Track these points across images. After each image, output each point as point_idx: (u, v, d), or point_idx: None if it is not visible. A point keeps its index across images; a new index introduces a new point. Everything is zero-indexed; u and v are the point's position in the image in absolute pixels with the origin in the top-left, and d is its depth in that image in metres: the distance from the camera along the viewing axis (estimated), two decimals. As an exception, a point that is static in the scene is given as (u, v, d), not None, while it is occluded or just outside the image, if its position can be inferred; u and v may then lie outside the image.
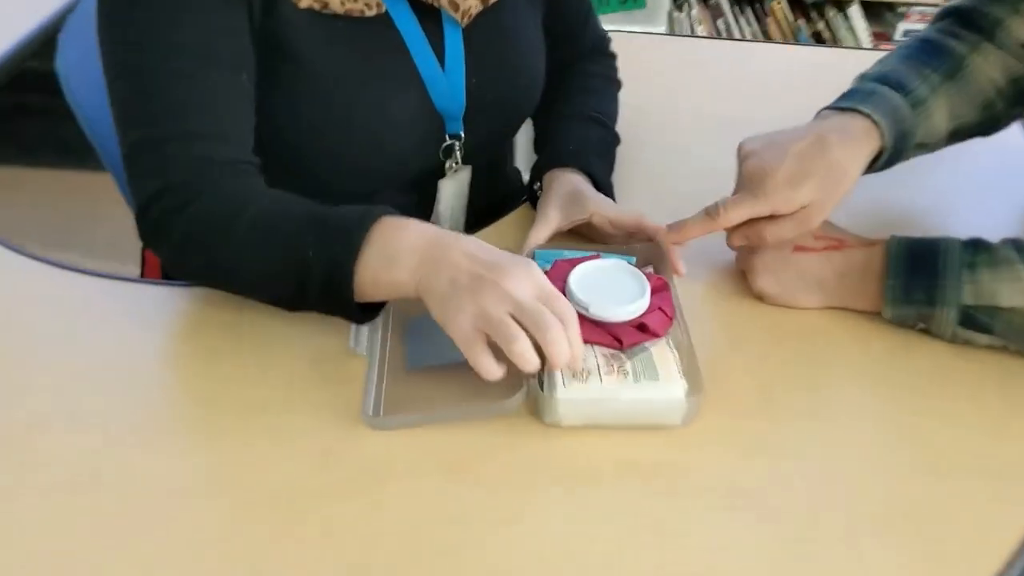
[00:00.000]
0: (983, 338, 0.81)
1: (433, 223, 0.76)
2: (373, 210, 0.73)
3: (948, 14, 0.97)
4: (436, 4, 0.88)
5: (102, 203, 1.21)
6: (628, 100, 1.10)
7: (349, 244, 0.71)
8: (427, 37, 0.90)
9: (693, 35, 2.55)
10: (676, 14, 2.53)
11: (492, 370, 0.67)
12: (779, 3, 2.53)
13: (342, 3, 0.83)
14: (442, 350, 0.74)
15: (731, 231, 0.88)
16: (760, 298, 0.88)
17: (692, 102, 1.24)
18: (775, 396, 0.79)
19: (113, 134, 0.83)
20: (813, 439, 0.75)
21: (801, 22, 2.55)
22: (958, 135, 0.94)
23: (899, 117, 0.87)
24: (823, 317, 0.86)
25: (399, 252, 0.70)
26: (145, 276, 1.12)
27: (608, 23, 2.19)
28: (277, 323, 0.83)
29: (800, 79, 1.19)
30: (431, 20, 0.90)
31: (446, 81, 0.91)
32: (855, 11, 2.52)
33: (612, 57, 1.11)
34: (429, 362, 0.79)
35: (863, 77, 0.93)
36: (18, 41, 1.33)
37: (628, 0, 2.14)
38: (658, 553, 0.65)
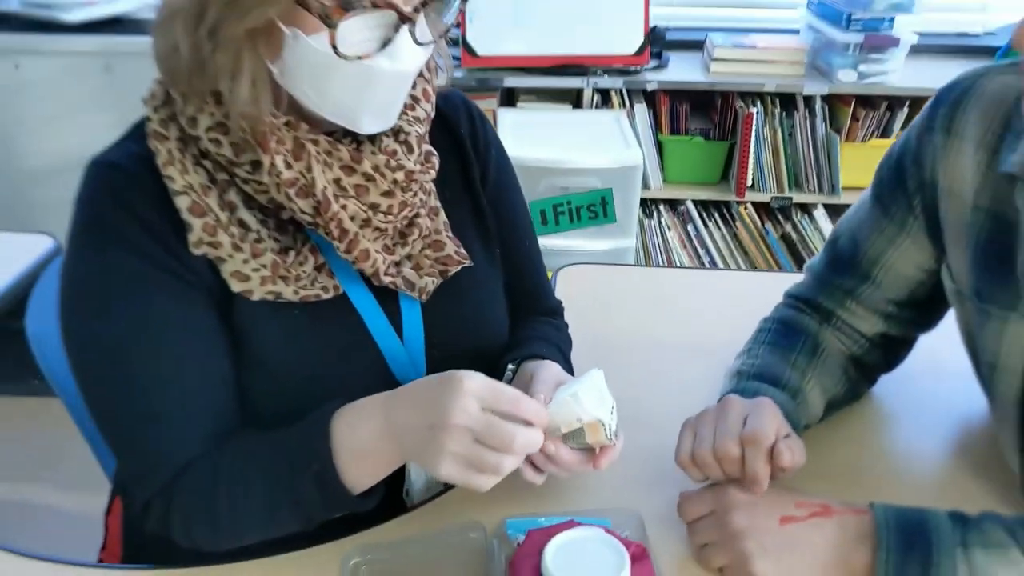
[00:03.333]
0: None
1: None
2: (321, 426, 0.79)
3: (793, 296, 1.10)
4: (392, 286, 0.89)
5: (70, 432, 1.18)
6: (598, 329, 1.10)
7: (322, 460, 0.78)
8: (386, 314, 0.91)
9: (664, 250, 2.62)
10: (646, 222, 2.60)
11: (491, 483, 0.76)
12: (746, 208, 2.61)
13: (295, 292, 0.84)
14: None
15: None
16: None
17: (661, 330, 1.25)
18: None
19: (78, 393, 0.85)
20: None
21: (769, 225, 2.63)
22: (831, 407, 1.04)
23: (786, 411, 0.92)
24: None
25: (365, 445, 0.79)
26: (105, 550, 1.08)
27: (580, 236, 2.25)
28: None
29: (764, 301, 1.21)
30: (389, 297, 0.91)
31: (406, 353, 0.91)
32: (820, 214, 2.60)
33: (566, 324, 1.12)
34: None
35: (740, 375, 1.00)
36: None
37: (599, 215, 2.19)
38: None
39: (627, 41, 2.44)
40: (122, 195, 0.81)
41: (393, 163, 0.85)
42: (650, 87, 2.46)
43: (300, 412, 0.83)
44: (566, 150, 2.18)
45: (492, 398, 0.74)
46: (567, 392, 0.80)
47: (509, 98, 2.56)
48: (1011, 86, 0.88)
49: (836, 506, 0.84)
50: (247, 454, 0.82)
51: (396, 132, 0.87)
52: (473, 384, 0.74)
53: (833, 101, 2.53)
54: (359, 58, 0.75)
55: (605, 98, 2.48)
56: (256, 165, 0.80)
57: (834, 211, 2.61)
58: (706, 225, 2.64)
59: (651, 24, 2.46)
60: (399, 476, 0.95)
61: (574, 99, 2.50)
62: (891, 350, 1.08)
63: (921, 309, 1.04)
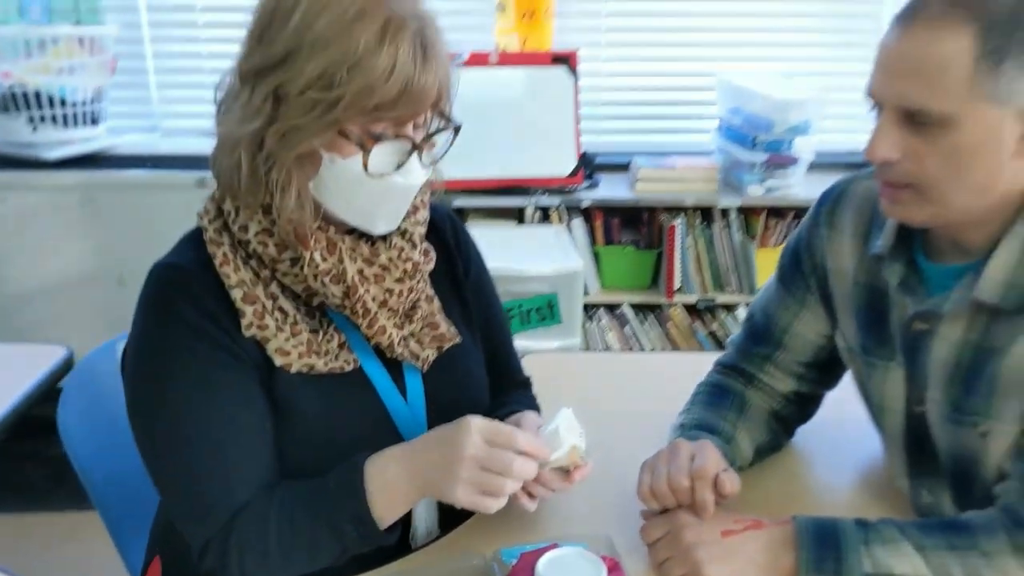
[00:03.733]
0: None
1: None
2: (355, 471, 0.99)
3: (721, 364, 1.34)
4: (399, 358, 1.10)
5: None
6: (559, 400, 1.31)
7: (357, 502, 0.97)
8: (393, 382, 1.11)
9: (605, 348, 2.86)
10: (588, 324, 2.84)
11: (497, 505, 0.96)
12: (676, 309, 2.88)
13: (325, 364, 1.04)
14: None
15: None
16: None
17: (608, 402, 1.46)
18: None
19: (102, 481, 1.11)
20: None
21: (697, 324, 2.90)
22: (759, 454, 1.26)
23: (723, 452, 1.13)
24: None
25: (392, 484, 0.98)
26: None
27: (529, 338, 2.47)
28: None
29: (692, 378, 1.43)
30: (395, 368, 1.12)
31: (410, 413, 1.11)
32: (742, 312, 2.89)
33: (534, 395, 1.31)
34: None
35: (683, 426, 1.23)
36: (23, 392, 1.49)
37: (547, 317, 2.43)
38: None
39: (562, 164, 2.74)
40: (186, 288, 1.00)
41: (403, 256, 1.07)
42: (584, 204, 2.75)
43: (324, 463, 1.01)
44: (514, 260, 2.43)
45: (494, 434, 0.95)
46: (549, 428, 1.01)
47: (460, 216, 2.81)
48: (873, 189, 1.14)
49: (765, 521, 1.05)
50: (293, 498, 1.00)
51: (403, 233, 1.09)
52: (478, 423, 0.95)
53: (746, 212, 2.85)
54: (381, 176, 0.98)
55: (545, 215, 2.76)
56: (295, 261, 1.02)
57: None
58: (641, 324, 2.89)
59: (583, 150, 2.77)
60: (405, 523, 1.13)
61: (518, 216, 2.77)
62: (803, 405, 1.31)
63: (823, 369, 1.28)
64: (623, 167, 2.92)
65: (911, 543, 0.98)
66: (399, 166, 1.00)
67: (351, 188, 0.99)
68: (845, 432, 1.33)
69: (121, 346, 1.41)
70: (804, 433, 1.33)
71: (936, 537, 0.98)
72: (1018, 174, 0.97)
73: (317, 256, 1.01)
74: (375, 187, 0.99)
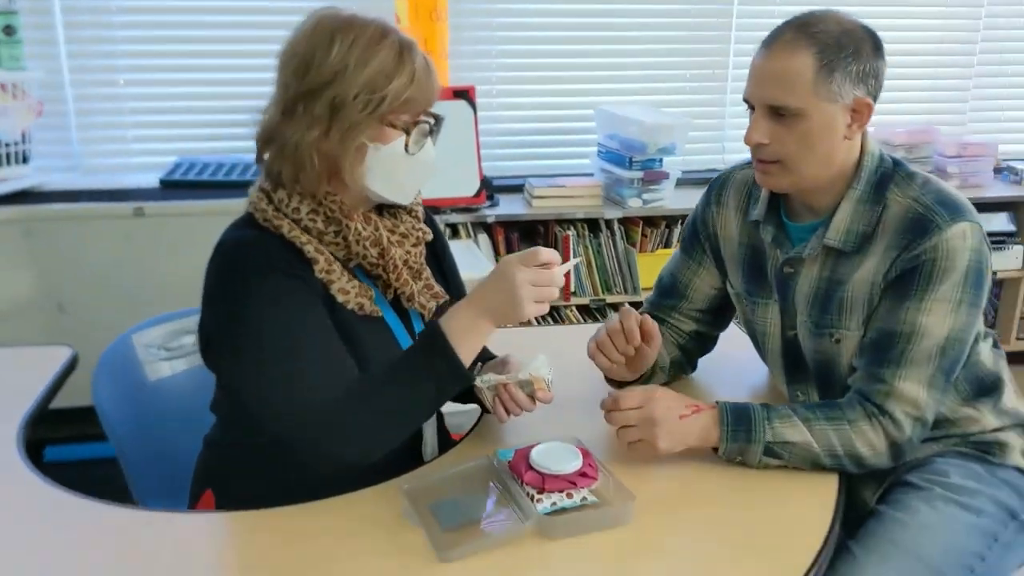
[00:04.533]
0: (775, 462, 1.36)
1: None
2: (434, 326, 1.27)
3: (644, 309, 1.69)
4: (416, 308, 1.42)
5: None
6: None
7: (446, 348, 1.25)
8: (403, 325, 1.42)
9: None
10: (494, 329, 3.19)
11: (545, 309, 1.27)
12: (571, 310, 3.26)
13: (363, 307, 1.34)
14: (460, 513, 1.23)
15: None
16: (662, 453, 1.35)
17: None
18: (670, 492, 1.29)
19: (133, 450, 1.38)
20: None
21: (589, 322, 3.30)
22: (675, 366, 1.65)
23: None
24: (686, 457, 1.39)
25: (464, 325, 1.27)
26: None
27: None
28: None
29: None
30: (405, 315, 1.43)
31: None
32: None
33: None
34: (457, 521, 1.22)
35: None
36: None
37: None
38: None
39: (467, 187, 3.09)
40: (263, 247, 1.28)
41: (416, 227, 1.40)
42: (489, 220, 3.11)
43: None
44: (435, 269, 2.75)
45: (527, 258, 1.25)
46: (534, 363, 1.37)
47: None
48: (748, 176, 1.56)
49: (704, 406, 1.39)
50: (384, 373, 1.27)
51: (409, 211, 1.42)
52: (513, 258, 1.25)
53: (626, 223, 3.28)
54: (414, 154, 1.32)
55: (455, 231, 3.11)
56: (337, 232, 1.32)
57: (637, 307, 3.32)
58: (540, 326, 3.26)
59: (484, 174, 3.14)
60: (416, 445, 1.44)
61: (429, 234, 3.10)
62: (702, 342, 1.70)
63: (716, 314, 1.68)
64: (519, 188, 3.31)
65: (799, 417, 1.36)
66: (423, 144, 1.33)
67: (393, 167, 1.31)
68: (739, 362, 1.75)
69: (135, 338, 1.68)
70: (711, 364, 1.72)
71: (817, 413, 1.37)
72: (850, 152, 1.40)
73: (359, 226, 1.32)
74: (410, 164, 1.32)
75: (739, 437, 1.36)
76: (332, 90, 1.26)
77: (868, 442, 1.34)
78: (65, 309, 2.78)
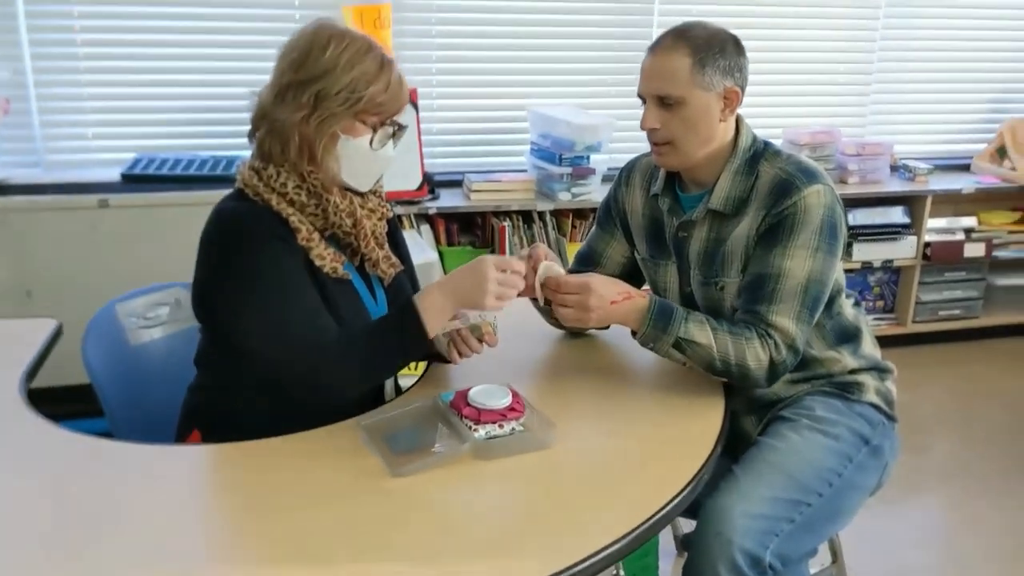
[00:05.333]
0: (680, 357, 1.66)
1: None
2: (409, 303, 1.54)
3: None
4: (380, 274, 1.67)
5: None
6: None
7: (416, 321, 1.51)
8: (367, 288, 1.67)
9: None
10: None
11: (506, 304, 1.56)
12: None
13: (336, 271, 1.58)
14: (409, 442, 1.48)
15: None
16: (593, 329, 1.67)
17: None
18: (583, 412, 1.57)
19: (115, 400, 1.60)
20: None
21: (525, 308, 3.57)
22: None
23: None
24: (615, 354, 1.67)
25: (435, 304, 1.53)
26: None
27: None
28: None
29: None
30: (368, 280, 1.68)
31: (378, 309, 1.68)
32: (559, 295, 3.58)
33: None
34: (407, 447, 1.48)
35: None
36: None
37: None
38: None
39: (410, 181, 3.34)
40: (255, 215, 1.52)
41: (380, 204, 1.66)
42: (430, 212, 3.37)
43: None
44: (382, 256, 3.00)
45: (502, 264, 1.52)
46: (485, 315, 1.63)
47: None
48: (650, 161, 1.86)
49: (635, 293, 1.67)
50: (365, 331, 1.53)
51: (375, 192, 1.68)
52: (492, 259, 1.52)
53: (558, 214, 3.56)
54: (377, 150, 1.57)
55: (400, 221, 3.33)
56: (318, 205, 1.56)
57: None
58: (481, 311, 3.53)
59: (426, 169, 3.39)
60: (380, 390, 1.69)
61: (376, 225, 3.34)
62: None
63: (627, 280, 1.91)
64: (458, 183, 3.57)
65: (709, 325, 1.65)
66: (384, 144, 1.59)
67: (357, 158, 1.56)
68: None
69: (118, 307, 1.90)
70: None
71: (724, 326, 1.66)
72: (726, 133, 1.72)
73: (337, 199, 1.57)
74: (372, 157, 1.57)
75: (658, 327, 1.64)
76: (320, 84, 1.51)
77: (756, 356, 1.63)
78: (33, 296, 2.95)
